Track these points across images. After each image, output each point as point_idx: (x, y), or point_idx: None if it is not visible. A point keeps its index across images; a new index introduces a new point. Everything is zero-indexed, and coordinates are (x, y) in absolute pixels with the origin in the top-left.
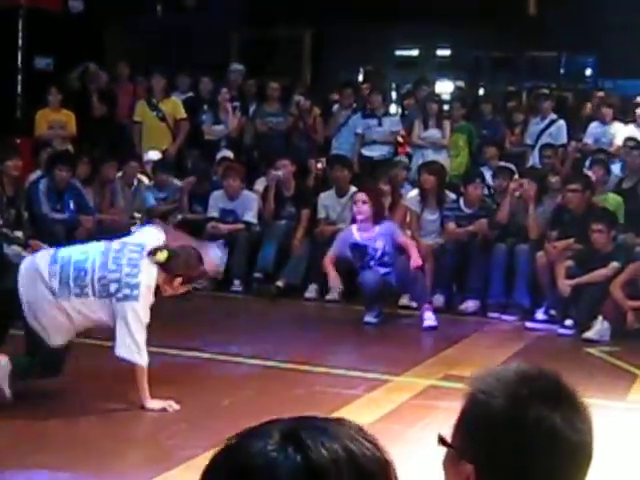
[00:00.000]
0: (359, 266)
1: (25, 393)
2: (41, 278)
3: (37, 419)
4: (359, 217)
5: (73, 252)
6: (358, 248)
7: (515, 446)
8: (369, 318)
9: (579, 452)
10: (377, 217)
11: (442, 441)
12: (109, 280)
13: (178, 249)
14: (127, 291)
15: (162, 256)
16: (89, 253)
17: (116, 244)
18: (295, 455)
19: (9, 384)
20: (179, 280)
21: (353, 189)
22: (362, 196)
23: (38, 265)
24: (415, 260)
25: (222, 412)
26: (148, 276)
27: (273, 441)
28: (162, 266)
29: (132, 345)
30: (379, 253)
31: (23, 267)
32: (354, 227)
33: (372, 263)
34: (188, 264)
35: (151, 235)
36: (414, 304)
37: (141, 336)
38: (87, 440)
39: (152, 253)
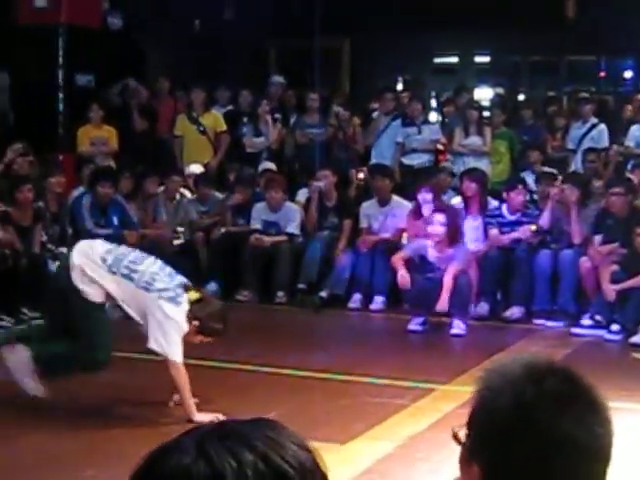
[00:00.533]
0: (418, 277)
1: (73, 407)
2: (95, 250)
3: (86, 434)
4: (433, 238)
5: (130, 250)
6: (425, 262)
7: (522, 450)
8: (413, 326)
9: (595, 456)
10: (453, 239)
11: (455, 437)
12: (160, 279)
13: (209, 297)
14: (172, 294)
15: (194, 296)
16: (147, 255)
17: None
18: (205, 469)
19: (36, 377)
20: (196, 324)
21: (395, 198)
22: (440, 217)
23: (94, 243)
24: (440, 304)
25: None
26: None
27: (187, 455)
28: (191, 304)
29: (164, 339)
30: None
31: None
32: (429, 243)
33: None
34: (210, 313)
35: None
36: None
37: (175, 336)
38: (135, 455)
39: (188, 288)
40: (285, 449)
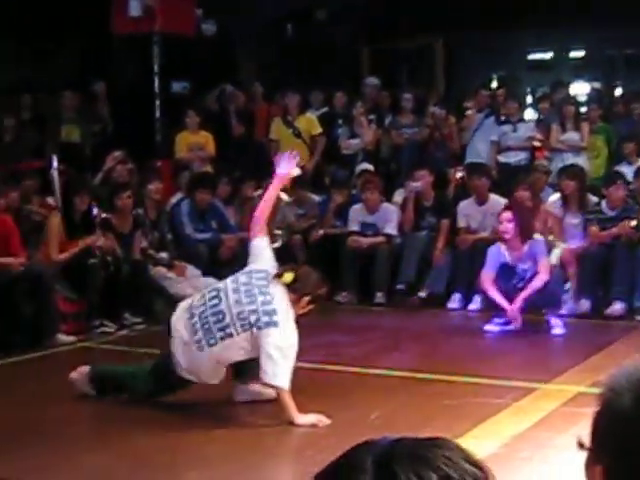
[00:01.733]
0: (506, 288)
1: (174, 410)
2: (185, 341)
3: (189, 436)
4: (505, 236)
5: (206, 299)
6: (507, 269)
7: None
8: (491, 326)
9: None
10: (524, 235)
11: (580, 445)
12: (248, 312)
13: (301, 269)
14: (266, 318)
15: (289, 278)
16: (220, 294)
17: (243, 277)
18: None
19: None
20: (306, 300)
21: (493, 197)
22: (507, 215)
23: (180, 328)
24: (512, 312)
25: (371, 425)
26: (281, 300)
27: (367, 475)
28: (289, 287)
29: (275, 370)
30: (528, 274)
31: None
32: (502, 246)
33: (520, 285)
34: (313, 283)
35: (266, 257)
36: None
37: (284, 360)
38: (238, 455)
39: (279, 276)
40: (464, 470)
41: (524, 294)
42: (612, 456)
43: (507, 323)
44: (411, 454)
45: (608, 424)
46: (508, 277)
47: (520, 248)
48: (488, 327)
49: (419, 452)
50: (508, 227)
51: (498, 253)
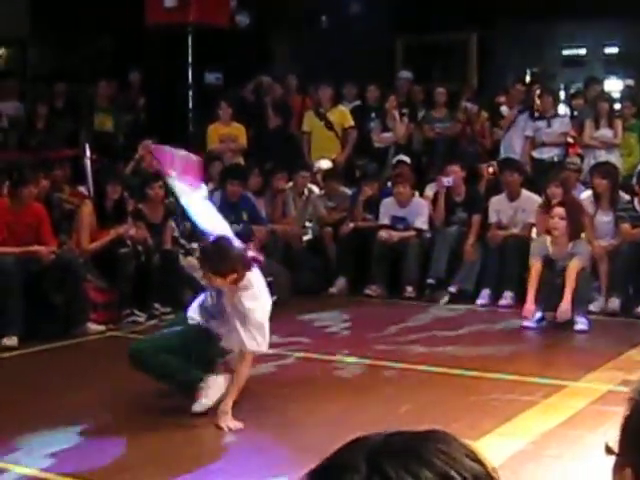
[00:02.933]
0: (546, 280)
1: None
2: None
3: (217, 428)
4: (554, 232)
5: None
6: (548, 261)
7: None
8: (527, 322)
9: None
10: (573, 234)
11: (608, 450)
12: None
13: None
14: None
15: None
16: None
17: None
18: None
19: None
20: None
21: (525, 193)
22: (561, 211)
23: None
24: (562, 311)
25: (399, 419)
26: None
27: (359, 474)
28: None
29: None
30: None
31: None
32: (548, 239)
33: (558, 281)
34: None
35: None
36: (591, 308)
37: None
38: (263, 448)
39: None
40: (460, 464)
41: (567, 299)
42: None
43: (542, 319)
44: (403, 450)
45: (636, 426)
46: (548, 269)
47: (565, 245)
48: (526, 323)
49: (411, 447)
50: (559, 224)
51: (542, 246)
